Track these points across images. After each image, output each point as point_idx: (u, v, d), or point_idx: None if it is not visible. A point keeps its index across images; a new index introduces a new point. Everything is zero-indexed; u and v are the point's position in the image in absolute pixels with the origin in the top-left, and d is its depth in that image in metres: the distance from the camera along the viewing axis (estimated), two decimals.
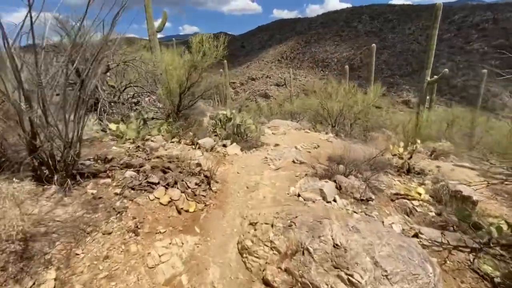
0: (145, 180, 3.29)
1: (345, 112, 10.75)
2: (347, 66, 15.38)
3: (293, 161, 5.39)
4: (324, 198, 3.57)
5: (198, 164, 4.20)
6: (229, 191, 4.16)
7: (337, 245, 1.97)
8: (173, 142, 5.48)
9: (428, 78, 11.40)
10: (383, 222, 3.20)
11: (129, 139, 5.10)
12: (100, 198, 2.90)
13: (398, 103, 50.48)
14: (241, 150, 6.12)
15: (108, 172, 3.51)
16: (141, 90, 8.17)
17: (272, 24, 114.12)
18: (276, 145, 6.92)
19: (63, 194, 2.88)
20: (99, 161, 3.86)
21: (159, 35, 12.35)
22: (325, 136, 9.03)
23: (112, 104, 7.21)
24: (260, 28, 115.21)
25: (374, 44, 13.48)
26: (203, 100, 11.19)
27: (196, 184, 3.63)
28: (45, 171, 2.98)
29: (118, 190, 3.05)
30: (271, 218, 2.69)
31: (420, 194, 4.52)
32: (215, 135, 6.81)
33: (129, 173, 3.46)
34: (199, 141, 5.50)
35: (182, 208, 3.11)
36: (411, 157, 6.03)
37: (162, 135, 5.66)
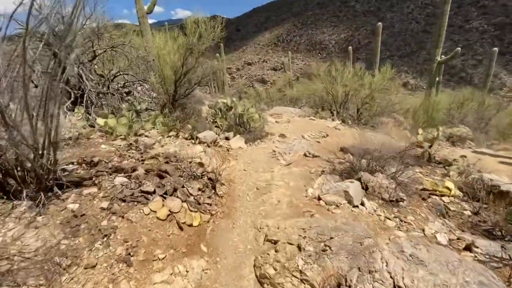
0: (139, 189, 2.74)
1: (351, 97, 10.13)
2: (350, 47, 14.55)
3: (305, 155, 4.85)
4: (349, 201, 3.05)
5: (201, 164, 3.64)
6: (236, 194, 3.64)
7: (399, 287, 1.47)
8: (170, 136, 4.89)
9: (439, 58, 10.74)
10: (423, 230, 2.71)
11: (120, 135, 4.50)
12: (82, 215, 2.35)
13: (397, 85, 49.44)
14: (245, 142, 5.56)
15: (94, 179, 2.94)
16: (133, 79, 7.45)
17: (267, 5, 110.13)
18: (282, 135, 6.37)
19: (37, 212, 2.33)
20: (83, 164, 3.29)
21: (150, 20, 11.54)
22: (332, 123, 8.47)
23: (101, 95, 6.52)
24: (256, 10, 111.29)
25: (380, 23, 12.62)
26: (199, 88, 10.50)
27: (199, 189, 3.09)
28: (12, 184, 2.41)
29: (105, 204, 2.50)
30: (295, 236, 2.16)
31: (450, 189, 4.02)
32: (216, 127, 6.21)
33: (119, 179, 2.90)
34: (199, 135, 4.92)
35: (184, 223, 2.57)
36: (431, 145, 5.51)
37: (157, 129, 5.06)
